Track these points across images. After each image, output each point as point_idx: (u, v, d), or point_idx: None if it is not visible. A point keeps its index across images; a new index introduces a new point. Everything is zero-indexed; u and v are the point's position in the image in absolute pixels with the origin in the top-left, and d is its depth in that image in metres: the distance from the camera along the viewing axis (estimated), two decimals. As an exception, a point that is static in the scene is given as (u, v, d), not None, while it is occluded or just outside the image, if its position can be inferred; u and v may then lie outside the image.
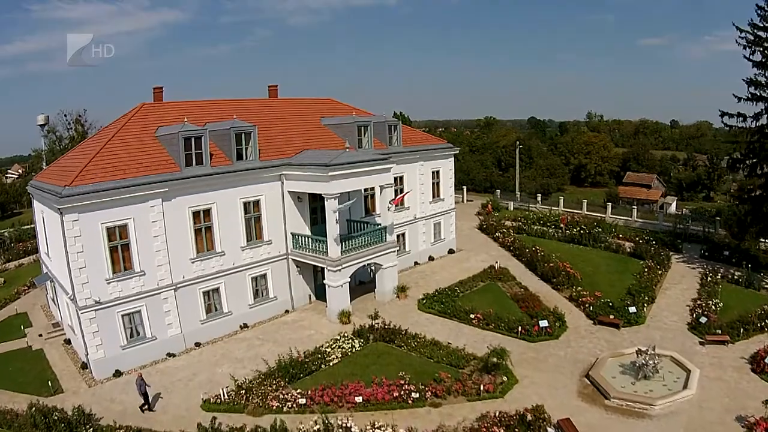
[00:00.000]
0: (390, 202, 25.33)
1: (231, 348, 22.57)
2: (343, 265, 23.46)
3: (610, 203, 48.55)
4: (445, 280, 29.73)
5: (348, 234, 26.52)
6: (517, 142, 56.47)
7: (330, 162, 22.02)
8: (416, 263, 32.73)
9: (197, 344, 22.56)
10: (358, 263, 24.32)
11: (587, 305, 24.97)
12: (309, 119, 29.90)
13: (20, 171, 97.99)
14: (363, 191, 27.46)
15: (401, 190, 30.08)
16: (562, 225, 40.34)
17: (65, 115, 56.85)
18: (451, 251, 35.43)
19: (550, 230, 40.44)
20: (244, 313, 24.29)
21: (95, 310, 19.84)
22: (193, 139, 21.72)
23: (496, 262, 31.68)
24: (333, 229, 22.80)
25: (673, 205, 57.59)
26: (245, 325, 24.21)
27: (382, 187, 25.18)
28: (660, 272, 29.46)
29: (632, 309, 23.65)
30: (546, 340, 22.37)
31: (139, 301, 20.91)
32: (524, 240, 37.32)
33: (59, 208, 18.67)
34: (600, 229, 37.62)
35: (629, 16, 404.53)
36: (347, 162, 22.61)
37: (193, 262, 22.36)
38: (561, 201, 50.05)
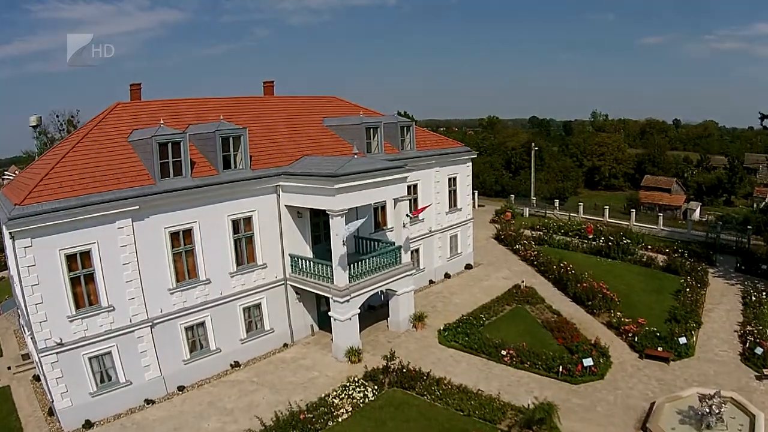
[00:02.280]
0: (409, 215, 21.49)
1: (220, 394, 18.87)
2: (352, 295, 19.66)
3: (633, 210, 44.94)
4: (466, 303, 26.22)
5: (356, 253, 22.79)
6: (533, 144, 52.77)
7: (336, 172, 18.22)
8: (431, 282, 29.02)
9: (180, 388, 18.95)
10: (368, 291, 20.54)
11: (630, 335, 21.78)
12: (309, 120, 26.12)
13: (16, 172, 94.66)
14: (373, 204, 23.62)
15: (414, 201, 26.32)
16: (589, 235, 36.73)
17: (57, 116, 54.41)
18: (468, 266, 31.79)
19: (574, 240, 36.92)
20: (236, 350, 20.56)
21: (57, 352, 16.38)
22: (170, 145, 17.93)
23: (522, 282, 28.05)
24: (339, 251, 19.01)
25: (697, 211, 54.01)
26: (237, 364, 20.47)
27: (396, 200, 21.35)
28: (701, 292, 26.40)
29: (682, 340, 20.63)
30: (590, 380, 19.00)
31: (108, 340, 17.37)
32: (547, 252, 33.93)
33: (9, 233, 15.25)
34: (629, 241, 34.12)
35: (630, 16, 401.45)
36: (357, 171, 18.81)
37: (172, 293, 18.65)
38: (581, 207, 46.43)
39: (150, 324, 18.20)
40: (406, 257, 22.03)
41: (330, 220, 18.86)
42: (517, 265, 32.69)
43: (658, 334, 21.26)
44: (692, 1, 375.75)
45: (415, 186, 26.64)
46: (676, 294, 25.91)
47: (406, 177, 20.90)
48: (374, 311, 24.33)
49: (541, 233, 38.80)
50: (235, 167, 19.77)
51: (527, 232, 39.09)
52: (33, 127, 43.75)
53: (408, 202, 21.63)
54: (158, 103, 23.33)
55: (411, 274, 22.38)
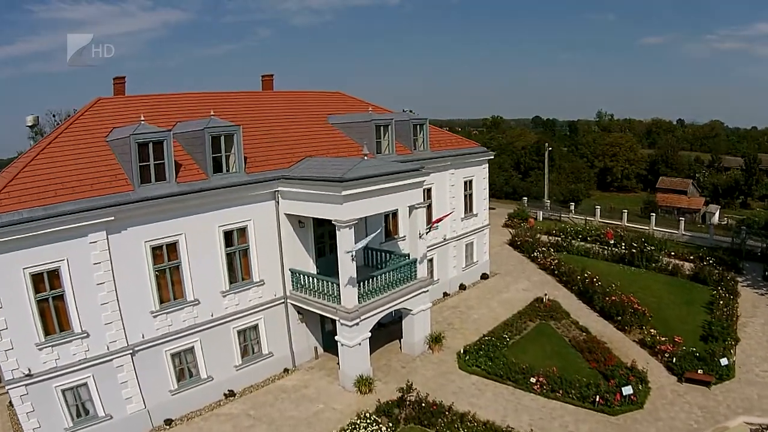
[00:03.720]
0: (428, 226, 18.98)
1: (212, 430, 16.41)
2: (362, 317, 17.11)
3: (653, 214, 42.43)
4: (486, 319, 23.84)
5: (365, 266, 20.30)
6: (546, 145, 50.28)
7: (344, 176, 15.66)
8: (445, 294, 26.51)
9: (168, 422, 16.54)
10: (381, 312, 17.97)
11: (667, 354, 19.71)
12: (312, 117, 23.60)
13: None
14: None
15: (428, 207, 23.80)
16: (609, 240, 34.22)
17: (54, 116, 52.00)
18: (484, 276, 29.32)
19: (594, 247, 34.46)
20: (230, 378, 18.09)
21: (26, 384, 14.05)
22: (151, 146, 15.40)
23: (545, 295, 25.58)
24: (347, 267, 16.45)
25: (717, 214, 51.50)
26: (231, 393, 17.97)
27: (411, 207, 18.80)
28: (735, 304, 24.39)
29: (724, 361, 18.74)
30: (629, 410, 16.92)
31: (83, 371, 14.99)
32: (567, 260, 31.61)
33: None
34: (652, 247, 31.82)
35: (630, 16, 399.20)
36: (367, 176, 16.24)
37: (155, 317, 16.17)
38: (598, 211, 43.91)
39: (130, 351, 15.76)
40: (422, 271, 19.47)
41: (337, 231, 16.30)
42: (536, 274, 30.37)
43: (697, 354, 19.16)
44: (693, 1, 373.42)
45: (429, 190, 24.11)
46: (708, 306, 24.26)
47: (423, 181, 18.37)
48: (385, 329, 21.76)
49: (559, 239, 36.36)
50: (228, 170, 17.22)
51: (544, 238, 36.69)
52: (29, 127, 41.76)
53: (424, 209, 19.01)
54: (144, 98, 20.82)
55: (427, 291, 19.84)
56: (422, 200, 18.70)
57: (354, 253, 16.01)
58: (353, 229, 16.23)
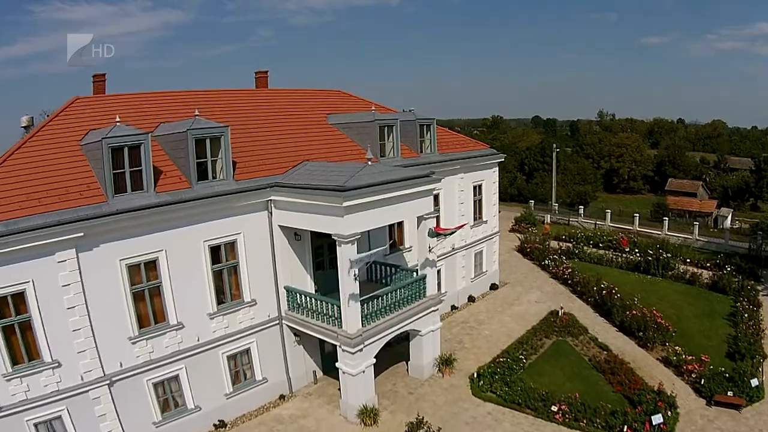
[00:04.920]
0: (442, 235, 17.12)
1: (197, 467, 14.65)
2: (366, 343, 15.24)
3: (666, 218, 40.65)
4: (498, 336, 22.12)
5: (368, 281, 18.46)
6: (554, 146, 48.46)
7: (345, 184, 13.77)
8: (454, 308, 24.70)
9: (151, 457, 14.68)
10: (386, 335, 16.09)
11: (694, 375, 18.29)
12: (310, 117, 21.74)
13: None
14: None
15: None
16: (624, 247, 32.47)
17: (47, 116, 49.83)
18: (493, 287, 27.57)
19: (607, 254, 32.72)
20: (220, 407, 16.23)
21: None
22: (126, 151, 13.52)
23: (561, 308, 23.82)
24: (349, 288, 14.58)
25: (729, 218, 49.71)
26: (222, 424, 16.12)
27: (420, 218, 16.91)
28: (759, 316, 22.89)
29: (754, 381, 17.33)
30: None
31: (56, 403, 13.24)
32: (579, 268, 29.96)
33: None
34: (669, 255, 30.20)
35: (631, 15, 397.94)
36: (372, 184, 14.34)
37: (134, 343, 14.33)
38: (608, 215, 42.12)
39: (107, 381, 13.94)
40: (431, 288, 17.60)
41: (337, 247, 14.42)
42: (549, 284, 28.67)
43: (726, 375, 17.77)
44: (694, 1, 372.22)
45: (436, 197, 22.23)
46: (730, 318, 23.06)
47: (433, 189, 16.51)
48: (390, 348, 19.84)
49: (570, 245, 34.60)
50: (214, 177, 15.30)
51: (553, 244, 34.94)
52: (24, 128, 40.11)
53: (434, 219, 17.14)
54: (126, 97, 19.00)
55: (437, 309, 17.98)
56: (432, 210, 16.80)
57: (357, 270, 14.12)
58: (356, 244, 14.34)
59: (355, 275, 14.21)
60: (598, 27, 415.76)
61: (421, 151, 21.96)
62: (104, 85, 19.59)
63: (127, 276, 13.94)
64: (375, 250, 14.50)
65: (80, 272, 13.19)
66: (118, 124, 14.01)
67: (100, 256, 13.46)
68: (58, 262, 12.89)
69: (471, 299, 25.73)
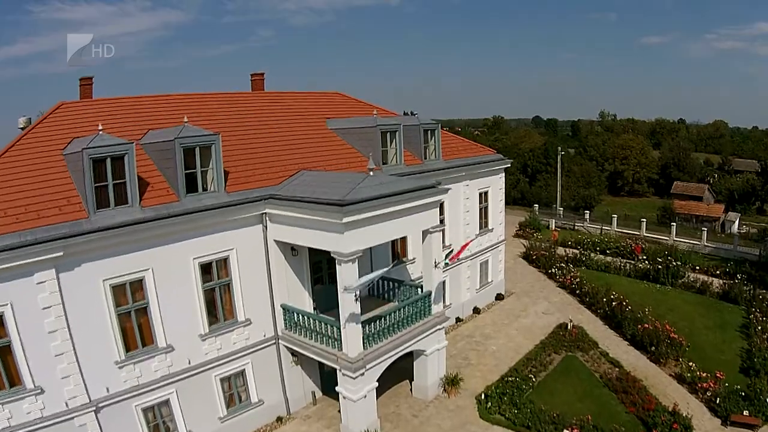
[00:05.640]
0: (447, 258, 16.18)
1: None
2: (368, 367, 14.20)
3: (674, 224, 39.63)
4: (506, 351, 21.16)
5: (369, 296, 17.45)
6: (559, 149, 47.40)
7: (345, 198, 12.71)
8: (458, 320, 23.69)
9: (140, 486, 13.70)
10: (390, 358, 15.05)
11: (708, 393, 17.48)
12: (308, 122, 20.72)
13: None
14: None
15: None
16: (638, 255, 31.47)
17: None
18: (499, 297, 26.60)
19: (615, 261, 31.73)
20: (214, 431, 15.23)
21: None
22: (109, 162, 12.50)
23: (570, 321, 22.82)
24: (349, 309, 13.53)
25: (736, 223, 48.64)
26: (214, 449, 15.14)
27: (426, 232, 15.86)
28: None
29: None
30: None
31: (40, 431, 12.26)
32: (587, 276, 29.05)
33: None
34: (679, 263, 29.32)
35: (631, 15, 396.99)
36: (374, 197, 13.29)
37: (121, 367, 13.34)
38: (614, 220, 41.11)
39: (93, 408, 12.97)
40: (437, 306, 16.57)
41: (337, 266, 13.37)
42: (556, 294, 27.70)
43: (742, 393, 17.08)
44: (694, 0, 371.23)
45: (441, 205, 21.21)
46: (743, 330, 22.33)
47: (440, 201, 15.47)
48: (393, 366, 18.67)
49: (577, 252, 33.58)
50: (204, 189, 14.25)
51: (560, 250, 33.92)
52: (22, 129, 39.44)
53: (440, 233, 16.08)
54: (113, 101, 17.99)
55: (443, 327, 16.94)
56: (438, 223, 15.75)
57: (358, 291, 13.11)
58: (357, 262, 13.31)
59: (355, 296, 13.17)
60: (598, 27, 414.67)
61: (425, 158, 20.94)
62: (91, 88, 18.63)
63: (112, 297, 12.93)
64: (377, 273, 13.39)
65: (61, 294, 12.22)
66: (100, 132, 12.99)
67: (82, 277, 12.46)
68: (37, 283, 11.94)
69: (476, 311, 24.74)
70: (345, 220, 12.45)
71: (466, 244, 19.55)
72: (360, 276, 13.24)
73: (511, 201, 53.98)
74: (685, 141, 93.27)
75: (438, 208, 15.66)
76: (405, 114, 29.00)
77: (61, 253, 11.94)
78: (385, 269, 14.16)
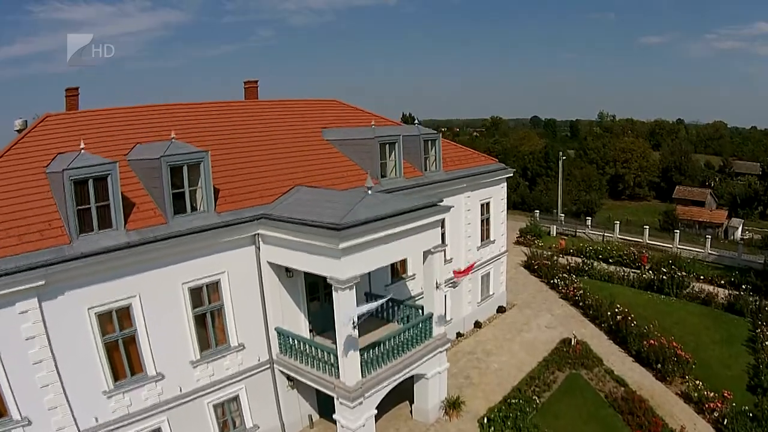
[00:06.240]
0: (453, 280, 15.51)
1: None
2: (367, 395, 13.54)
3: (677, 231, 39.02)
4: (508, 369, 20.55)
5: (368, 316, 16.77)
6: (560, 153, 46.66)
7: (342, 222, 12.01)
8: (459, 335, 23.05)
9: None
10: (389, 384, 14.38)
11: (716, 413, 17.16)
12: (304, 132, 20.04)
13: None
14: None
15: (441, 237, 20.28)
16: (645, 265, 30.84)
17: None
18: (500, 309, 25.96)
19: (619, 270, 31.08)
20: (206, 458, 14.61)
21: None
22: (91, 183, 11.82)
23: (574, 336, 22.23)
24: (347, 337, 12.83)
25: (739, 229, 48.03)
26: (208, 477, 14.48)
27: (427, 253, 15.19)
28: None
29: None
30: None
31: None
32: (590, 286, 28.41)
33: None
34: (684, 273, 28.80)
35: (630, 15, 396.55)
36: (373, 219, 12.58)
37: (109, 397, 12.70)
38: (617, 226, 40.47)
39: (82, 439, 12.30)
40: (439, 328, 15.91)
41: (334, 292, 12.70)
42: (558, 305, 27.09)
43: (750, 414, 16.71)
44: (693, 1, 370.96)
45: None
46: (749, 344, 22.02)
47: (442, 219, 14.80)
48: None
49: (579, 260, 32.92)
50: (194, 210, 13.55)
51: (562, 259, 33.25)
52: (18, 131, 38.93)
53: (442, 252, 15.40)
54: (100, 113, 17.30)
55: (445, 349, 16.28)
56: (440, 242, 15.08)
57: (356, 318, 12.43)
58: (354, 288, 12.63)
59: (353, 323, 12.49)
60: (598, 27, 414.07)
61: (426, 169, 20.27)
62: (77, 99, 18.01)
63: (98, 325, 12.27)
64: (375, 304, 12.59)
65: (44, 323, 11.59)
66: (82, 151, 12.29)
67: (66, 305, 11.81)
68: (20, 313, 11.30)
69: (477, 325, 24.10)
70: (342, 245, 11.75)
71: (471, 266, 18.98)
72: (358, 303, 12.59)
73: (511, 206, 53.18)
74: (685, 142, 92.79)
75: (440, 227, 14.94)
76: (403, 117, 28.30)
77: (43, 282, 11.29)
78: (384, 299, 13.47)
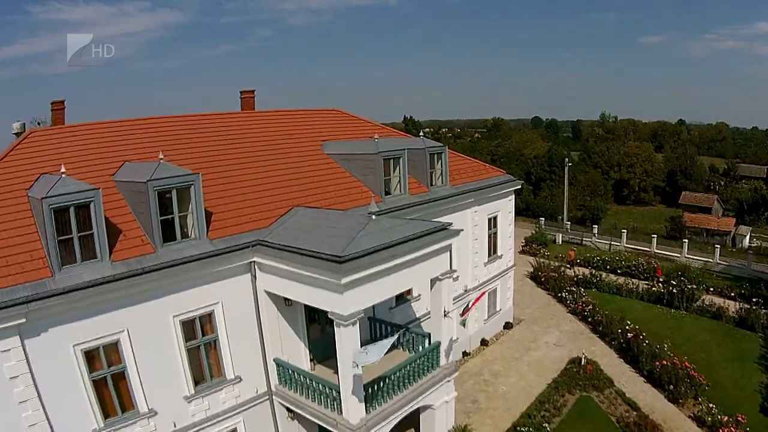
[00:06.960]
0: (460, 315, 14.67)
1: None
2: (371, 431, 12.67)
3: (686, 240, 38.16)
4: (517, 392, 19.79)
5: (369, 340, 15.91)
6: (566, 160, 45.70)
7: (344, 253, 11.08)
8: (465, 354, 22.24)
9: None
10: (395, 419, 13.48)
11: None
12: (303, 145, 19.14)
13: None
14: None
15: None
16: (659, 278, 29.91)
17: (38, 123, 47.34)
18: (507, 325, 25.17)
19: (628, 282, 30.21)
20: (203, 494, 13.74)
21: None
22: (72, 212, 10.94)
23: (583, 356, 21.41)
24: (350, 371, 11.93)
25: (747, 237, 47.14)
26: None
27: (435, 280, 14.28)
28: None
29: None
30: None
31: None
32: (599, 299, 27.70)
33: None
34: (693, 286, 27.91)
35: (630, 15, 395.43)
36: (377, 249, 11.62)
37: (98, 437, 11.81)
38: (624, 235, 39.60)
39: (70, 481, 11.45)
40: (446, 357, 15.00)
41: (335, 328, 11.81)
42: (566, 321, 26.31)
43: None
44: (692, 1, 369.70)
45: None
46: (762, 362, 21.63)
47: (451, 244, 13.90)
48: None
49: (587, 271, 32.04)
50: (184, 237, 12.66)
51: (569, 272, 32.35)
52: (16, 134, 38.25)
53: (451, 279, 14.48)
54: (87, 128, 16.41)
55: (452, 378, 15.39)
56: (449, 267, 14.19)
57: (362, 364, 11.49)
58: (358, 323, 11.74)
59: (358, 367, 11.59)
60: (598, 27, 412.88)
61: (432, 184, 19.39)
62: (63, 113, 17.19)
63: (84, 362, 11.40)
64: (385, 347, 11.47)
65: (28, 362, 10.74)
66: (63, 176, 11.40)
67: (50, 342, 10.95)
68: (2, 351, 10.47)
69: (484, 342, 23.28)
70: (344, 280, 10.84)
71: (479, 298, 18.21)
72: (362, 330, 11.68)
73: (515, 212, 52.55)
74: (690, 145, 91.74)
75: (449, 252, 14.04)
76: (404, 120, 27.35)
77: (24, 320, 10.43)
78: (394, 337, 12.53)
